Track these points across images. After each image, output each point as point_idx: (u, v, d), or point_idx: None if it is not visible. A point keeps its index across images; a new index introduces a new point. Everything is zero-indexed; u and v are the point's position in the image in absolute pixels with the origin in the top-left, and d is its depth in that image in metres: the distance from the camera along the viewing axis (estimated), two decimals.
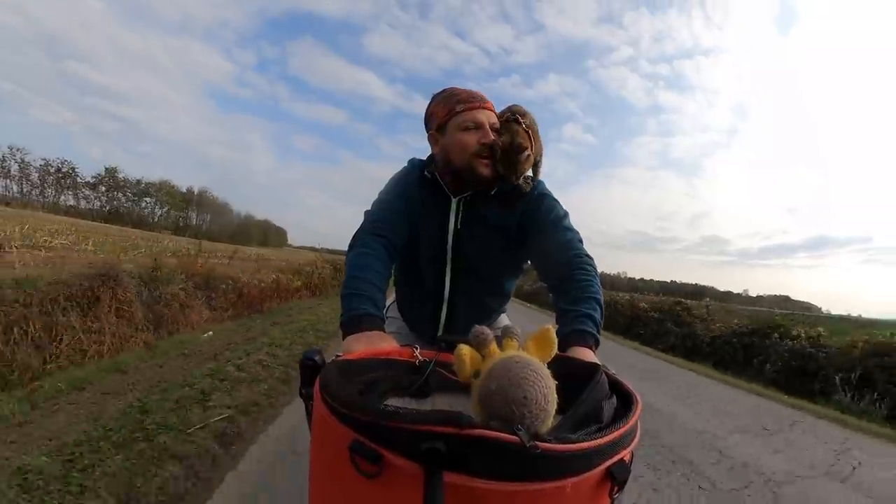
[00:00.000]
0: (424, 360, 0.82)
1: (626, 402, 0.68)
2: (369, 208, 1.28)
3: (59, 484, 2.20)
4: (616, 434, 0.55)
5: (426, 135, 1.33)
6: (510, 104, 1.30)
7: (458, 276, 1.29)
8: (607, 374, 0.74)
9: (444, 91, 1.28)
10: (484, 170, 1.21)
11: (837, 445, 4.15)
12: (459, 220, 1.27)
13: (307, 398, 0.71)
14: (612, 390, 0.72)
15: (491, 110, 1.25)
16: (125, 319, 5.51)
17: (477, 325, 0.66)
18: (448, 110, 1.24)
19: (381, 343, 0.88)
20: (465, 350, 0.64)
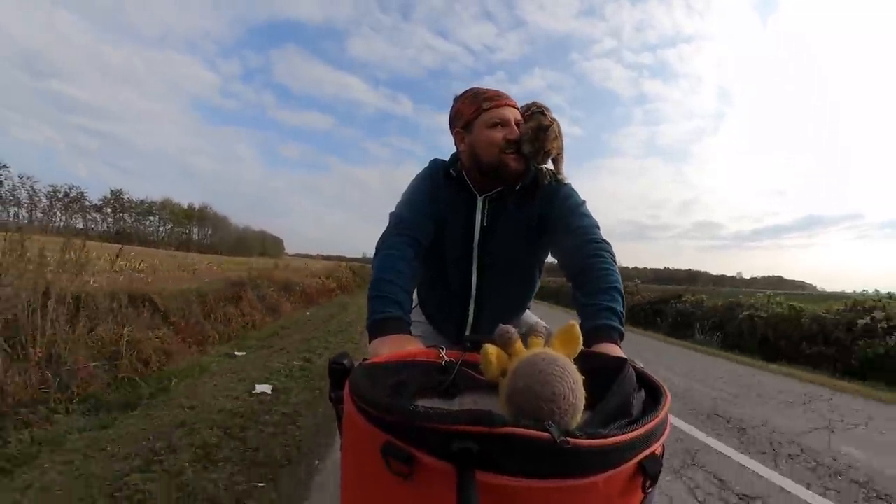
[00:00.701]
0: (450, 360, 0.82)
1: (654, 395, 0.68)
2: (393, 210, 1.28)
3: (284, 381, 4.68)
4: (647, 427, 0.55)
5: (451, 134, 1.34)
6: (527, 102, 1.31)
7: (484, 275, 1.30)
8: (634, 368, 0.74)
9: (468, 90, 1.30)
10: (514, 164, 1.22)
11: (673, 355, 8.43)
12: (486, 217, 1.27)
13: (336, 402, 0.72)
14: (640, 383, 0.71)
15: (516, 107, 1.27)
16: (255, 309, 8.79)
17: (502, 325, 0.66)
18: (475, 108, 1.25)
19: (406, 345, 0.89)
20: (491, 349, 0.64)
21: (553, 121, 1.24)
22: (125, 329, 4.52)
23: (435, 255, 1.29)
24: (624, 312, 1.03)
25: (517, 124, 1.24)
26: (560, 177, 1.29)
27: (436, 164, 1.36)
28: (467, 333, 1.34)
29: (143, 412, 3.49)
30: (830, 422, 4.43)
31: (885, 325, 7.61)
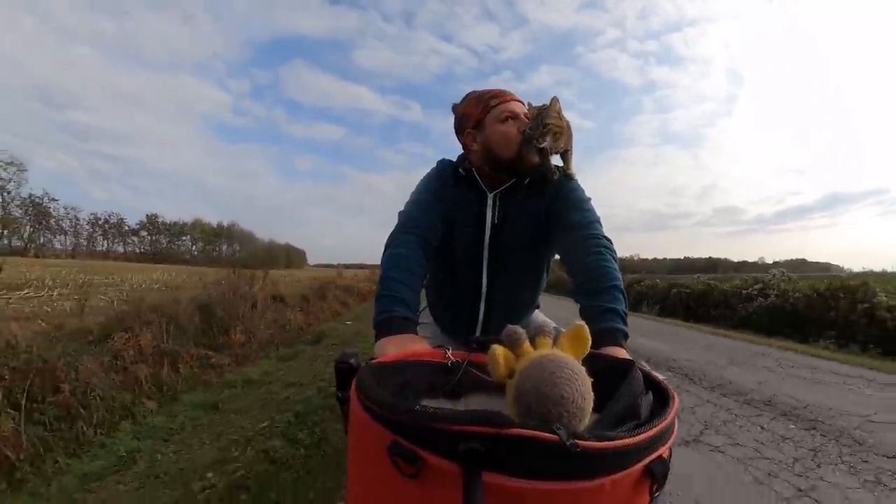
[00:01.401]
0: (456, 360, 0.82)
1: (662, 397, 0.68)
2: (402, 209, 1.29)
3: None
4: (655, 430, 0.55)
5: (458, 138, 1.35)
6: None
7: (494, 272, 1.30)
8: (641, 370, 0.74)
9: (469, 94, 1.32)
10: (534, 158, 1.23)
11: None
12: (497, 214, 1.27)
13: (343, 401, 0.72)
14: (647, 386, 0.71)
15: (522, 102, 1.29)
16: (334, 303, 12.26)
17: (510, 325, 0.66)
18: (483, 107, 1.27)
19: (413, 345, 0.89)
20: (498, 350, 0.64)
21: (558, 114, 1.23)
22: (288, 313, 8.42)
23: (444, 255, 1.29)
24: (626, 311, 1.02)
25: (526, 117, 1.25)
26: (569, 172, 1.29)
27: (444, 164, 1.37)
28: (477, 333, 1.34)
29: (323, 344, 6.79)
30: (726, 358, 6.55)
31: (756, 293, 11.15)
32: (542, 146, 1.19)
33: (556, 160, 1.32)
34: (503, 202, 1.28)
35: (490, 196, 1.28)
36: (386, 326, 0.96)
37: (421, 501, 0.53)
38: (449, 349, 0.84)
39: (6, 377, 2.99)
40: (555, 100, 1.21)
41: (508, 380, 0.63)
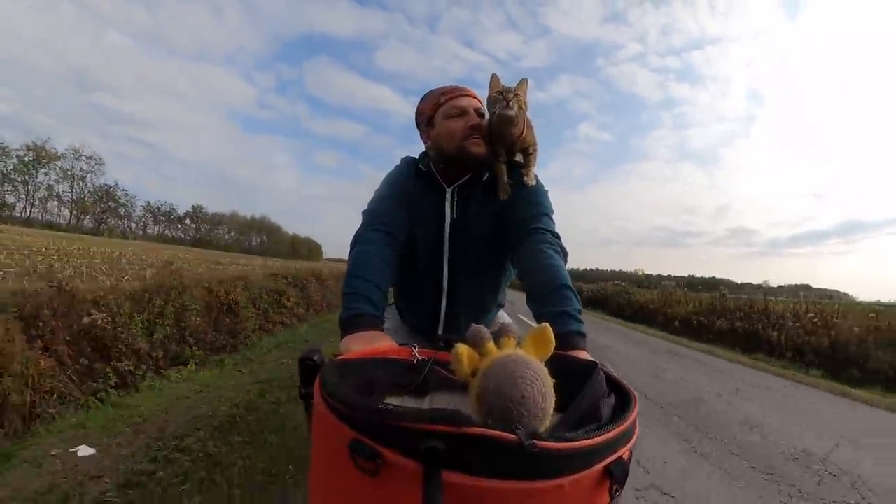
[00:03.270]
0: (422, 358, 0.82)
1: (623, 400, 0.69)
2: (366, 208, 1.28)
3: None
4: (614, 432, 0.55)
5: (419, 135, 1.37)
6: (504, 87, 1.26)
7: (455, 269, 1.29)
8: (605, 373, 0.75)
9: (428, 91, 1.34)
10: (476, 148, 1.24)
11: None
12: (455, 209, 1.27)
13: (306, 398, 0.71)
14: (610, 388, 0.72)
15: (473, 97, 1.30)
16: None
17: (474, 324, 0.66)
18: (433, 104, 1.30)
19: (378, 343, 0.88)
20: (462, 349, 0.64)
21: (520, 109, 1.19)
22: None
23: (407, 252, 1.28)
24: (579, 310, 0.99)
25: (477, 112, 1.27)
26: (525, 179, 1.26)
27: (406, 161, 1.37)
28: (440, 330, 1.33)
29: None
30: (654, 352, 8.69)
31: (653, 307, 15.88)
32: (507, 113, 1.17)
33: (523, 160, 1.32)
34: (462, 198, 1.28)
35: (448, 191, 1.28)
36: (351, 324, 0.95)
37: (381, 499, 0.52)
38: (415, 347, 0.84)
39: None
40: (524, 81, 1.22)
41: (472, 379, 0.63)
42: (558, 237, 1.18)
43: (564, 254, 1.16)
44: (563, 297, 1.00)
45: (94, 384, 3.76)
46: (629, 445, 0.60)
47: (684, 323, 12.73)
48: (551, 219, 1.22)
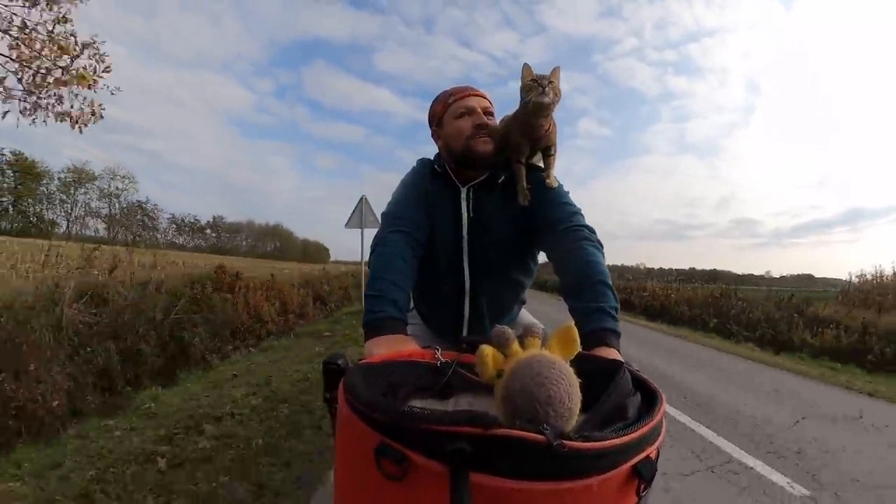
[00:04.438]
0: (446, 361, 0.82)
1: (649, 399, 0.68)
2: (385, 210, 1.28)
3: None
4: (641, 431, 0.55)
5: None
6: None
7: (476, 269, 1.28)
8: (630, 371, 0.74)
9: (439, 94, 1.36)
10: (482, 146, 1.24)
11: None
12: (471, 207, 1.27)
13: (331, 402, 0.71)
14: (636, 387, 0.71)
15: (482, 97, 1.31)
16: None
17: (498, 325, 0.66)
18: (443, 105, 1.31)
19: (402, 346, 0.89)
20: (487, 350, 0.64)
21: (555, 96, 1.13)
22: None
23: (427, 253, 1.27)
24: (616, 307, 0.99)
25: (485, 111, 1.28)
26: (548, 182, 1.24)
27: (423, 163, 1.38)
28: (464, 332, 1.33)
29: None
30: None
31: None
32: (543, 101, 1.12)
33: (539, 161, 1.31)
34: (477, 197, 1.27)
35: (464, 190, 1.28)
36: (375, 327, 0.95)
37: (408, 502, 0.53)
38: (439, 350, 0.84)
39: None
40: (557, 68, 1.14)
41: (497, 380, 0.63)
42: (594, 231, 1.16)
43: (601, 246, 1.14)
44: (600, 294, 1.00)
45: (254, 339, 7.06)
46: (656, 444, 0.59)
47: (646, 310, 14.52)
48: (582, 215, 1.21)
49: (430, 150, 1.41)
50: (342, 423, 0.62)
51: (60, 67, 3.59)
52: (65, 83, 3.61)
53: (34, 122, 3.63)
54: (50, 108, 3.63)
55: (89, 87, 3.68)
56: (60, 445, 2.77)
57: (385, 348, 0.88)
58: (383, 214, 1.27)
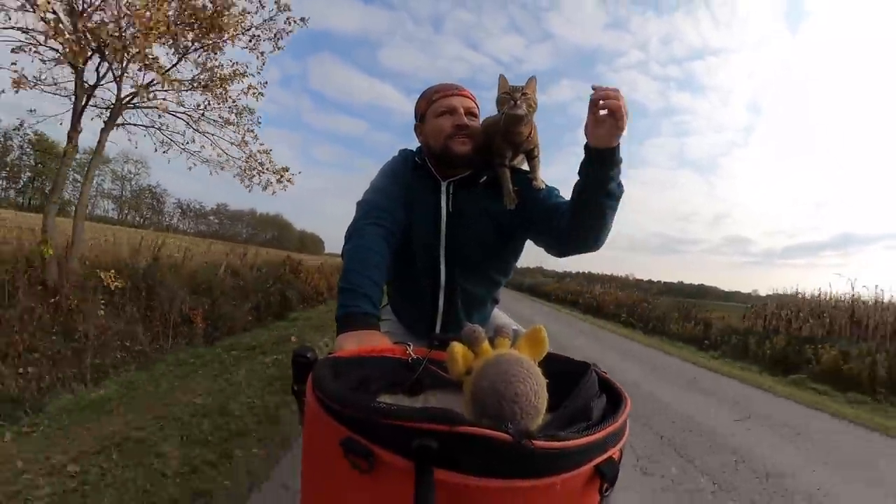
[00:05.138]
0: (417, 357, 0.82)
1: (615, 400, 0.69)
2: (362, 198, 1.27)
3: None
4: (604, 432, 0.56)
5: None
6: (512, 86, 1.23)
7: (452, 264, 1.28)
8: (597, 373, 0.75)
9: (425, 89, 1.35)
10: (460, 147, 1.24)
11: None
12: (451, 202, 1.27)
13: (299, 395, 0.71)
14: (602, 389, 0.72)
15: (466, 96, 1.30)
16: None
17: (469, 324, 0.67)
18: (427, 101, 1.31)
19: (373, 341, 0.88)
20: (457, 348, 0.64)
21: (529, 108, 1.18)
22: None
23: (403, 247, 1.26)
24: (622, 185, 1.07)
25: (468, 111, 1.27)
26: (535, 183, 1.27)
27: (404, 153, 1.37)
28: (438, 328, 1.32)
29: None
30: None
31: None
32: (517, 112, 1.16)
33: (522, 164, 1.32)
34: (457, 193, 1.28)
35: (444, 185, 1.28)
36: (348, 322, 0.95)
37: (373, 497, 0.53)
38: (410, 346, 0.84)
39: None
40: (532, 79, 1.20)
41: (466, 377, 0.63)
42: None
43: None
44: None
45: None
46: (619, 445, 0.60)
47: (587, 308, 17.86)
48: None
49: None
50: (310, 416, 0.61)
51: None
52: None
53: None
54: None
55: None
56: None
57: (356, 343, 0.87)
58: (359, 203, 1.25)
